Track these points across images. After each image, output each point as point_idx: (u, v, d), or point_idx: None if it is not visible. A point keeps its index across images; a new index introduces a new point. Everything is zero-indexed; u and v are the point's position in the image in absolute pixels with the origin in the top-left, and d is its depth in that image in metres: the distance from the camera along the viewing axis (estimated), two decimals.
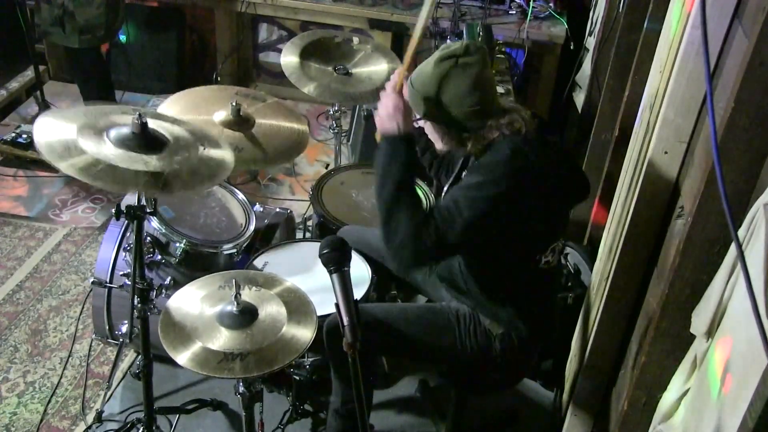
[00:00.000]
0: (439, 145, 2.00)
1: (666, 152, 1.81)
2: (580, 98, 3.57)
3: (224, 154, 2.03)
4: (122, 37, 4.34)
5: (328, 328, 2.08)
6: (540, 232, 1.95)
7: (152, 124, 1.93)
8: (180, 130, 2.02)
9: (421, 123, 2.00)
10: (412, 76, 1.94)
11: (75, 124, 1.85)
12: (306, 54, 2.92)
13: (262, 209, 2.85)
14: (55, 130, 1.83)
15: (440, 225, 1.77)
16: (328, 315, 2.09)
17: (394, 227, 1.80)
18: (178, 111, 2.44)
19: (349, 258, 1.61)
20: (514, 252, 1.95)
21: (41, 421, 2.51)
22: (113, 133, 1.87)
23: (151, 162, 1.82)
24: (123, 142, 1.84)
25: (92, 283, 2.41)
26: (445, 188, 2.16)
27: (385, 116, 1.92)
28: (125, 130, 1.87)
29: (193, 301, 1.98)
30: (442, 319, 2.09)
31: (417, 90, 1.89)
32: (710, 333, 1.34)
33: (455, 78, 1.84)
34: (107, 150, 1.81)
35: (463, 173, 2.07)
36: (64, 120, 1.87)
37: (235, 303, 1.90)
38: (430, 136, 2.01)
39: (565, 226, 2.08)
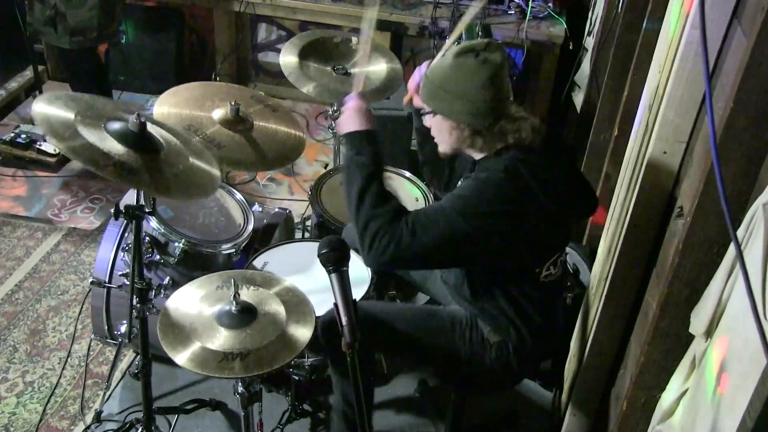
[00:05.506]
0: (444, 145, 1.96)
1: (665, 152, 1.81)
2: (579, 98, 3.57)
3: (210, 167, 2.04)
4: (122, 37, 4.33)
5: (323, 324, 2.07)
6: (535, 247, 1.92)
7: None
8: (170, 137, 2.01)
9: (429, 121, 1.96)
10: (428, 69, 1.92)
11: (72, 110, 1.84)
12: (305, 54, 2.91)
13: (260, 209, 2.84)
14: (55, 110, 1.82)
15: (417, 228, 1.77)
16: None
17: (369, 216, 1.80)
18: (178, 102, 2.43)
19: (348, 258, 1.61)
20: (510, 265, 1.94)
21: (40, 421, 2.51)
22: (112, 126, 1.86)
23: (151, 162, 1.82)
24: (121, 137, 1.84)
25: (91, 283, 2.41)
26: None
27: (346, 118, 1.98)
28: (124, 127, 1.86)
29: (192, 301, 1.98)
30: (437, 321, 2.09)
31: (432, 81, 1.87)
32: (709, 333, 1.34)
33: (473, 70, 1.81)
34: (108, 142, 1.80)
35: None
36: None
37: (234, 303, 1.89)
38: (436, 136, 1.96)
39: (566, 240, 2.05)
